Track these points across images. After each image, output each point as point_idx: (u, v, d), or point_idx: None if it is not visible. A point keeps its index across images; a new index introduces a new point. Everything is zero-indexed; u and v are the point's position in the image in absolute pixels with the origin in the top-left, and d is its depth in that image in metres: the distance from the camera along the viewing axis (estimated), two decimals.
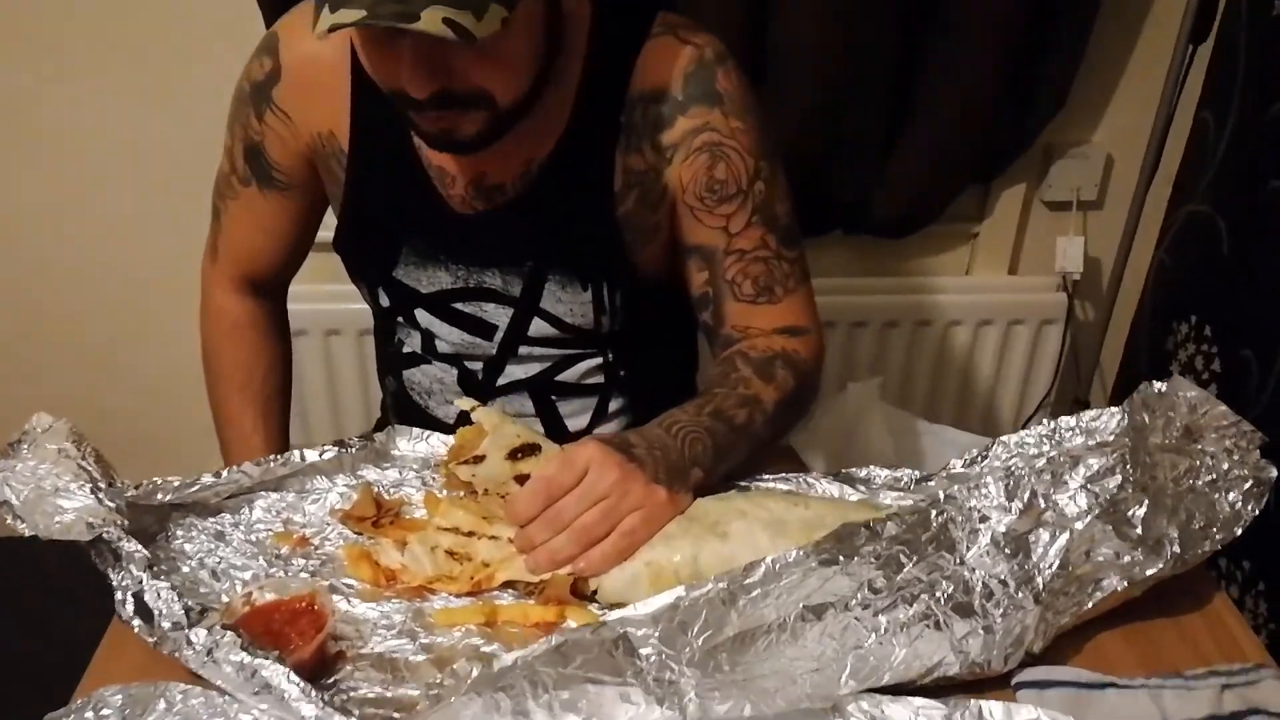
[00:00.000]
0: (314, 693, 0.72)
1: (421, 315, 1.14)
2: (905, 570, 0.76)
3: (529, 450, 0.91)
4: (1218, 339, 1.70)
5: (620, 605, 0.86)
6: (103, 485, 0.88)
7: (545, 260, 1.08)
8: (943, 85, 1.68)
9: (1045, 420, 0.91)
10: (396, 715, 0.76)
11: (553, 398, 1.18)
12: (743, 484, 0.99)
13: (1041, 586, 0.79)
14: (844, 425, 1.46)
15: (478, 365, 1.16)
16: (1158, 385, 0.84)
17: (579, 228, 1.07)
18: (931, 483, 0.96)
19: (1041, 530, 0.79)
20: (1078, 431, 0.90)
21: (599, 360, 1.16)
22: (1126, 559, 0.81)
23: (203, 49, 1.65)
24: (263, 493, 0.98)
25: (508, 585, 0.89)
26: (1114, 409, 0.89)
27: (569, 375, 1.16)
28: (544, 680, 0.70)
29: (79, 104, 1.74)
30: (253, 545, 0.94)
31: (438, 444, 1.04)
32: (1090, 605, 0.82)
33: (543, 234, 1.07)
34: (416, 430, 1.05)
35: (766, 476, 1.01)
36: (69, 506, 0.85)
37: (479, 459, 0.90)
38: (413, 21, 0.77)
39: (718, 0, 1.51)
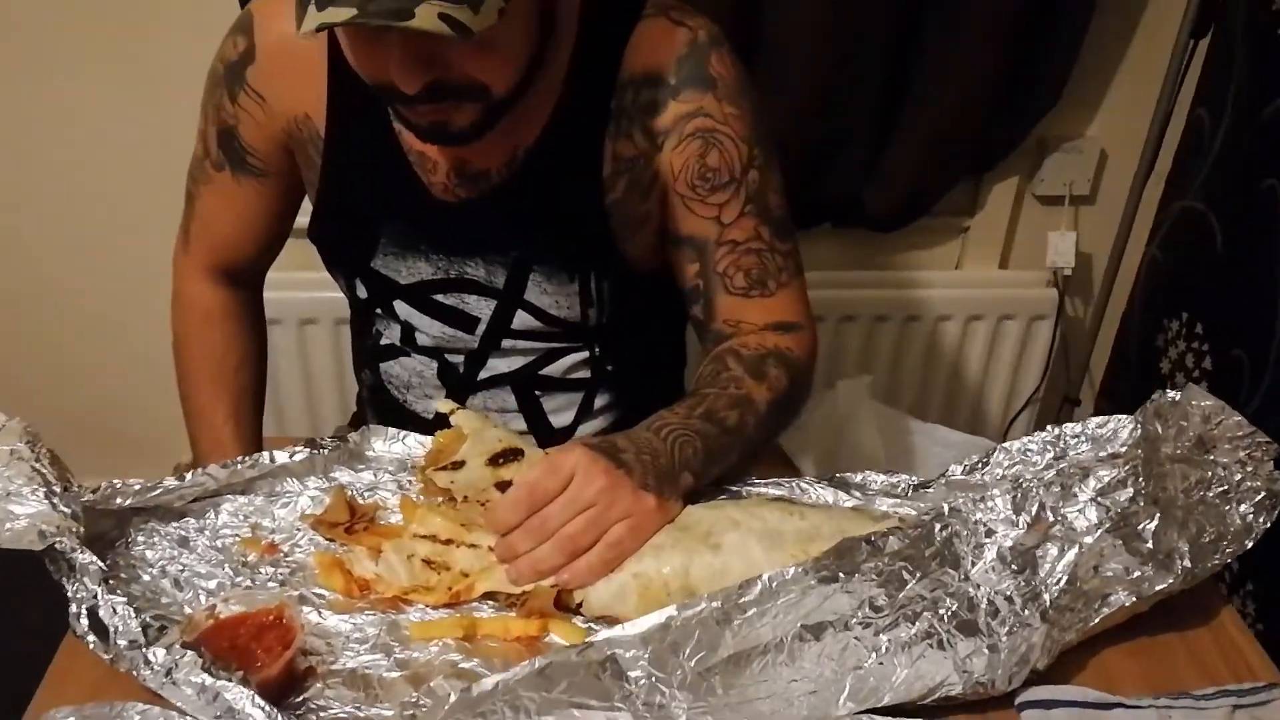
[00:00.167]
0: (280, 716, 0.68)
1: (400, 307, 1.11)
2: (908, 587, 0.72)
3: (511, 455, 0.86)
4: (1209, 337, 1.68)
5: (606, 618, 0.83)
6: (58, 489, 0.83)
7: (530, 250, 1.04)
8: (937, 77, 1.66)
9: (1049, 426, 0.88)
10: None
11: (536, 393, 1.14)
12: (733, 488, 0.95)
13: (1049, 603, 0.75)
14: (833, 424, 1.42)
15: (459, 359, 1.13)
16: (1171, 394, 0.80)
17: (566, 216, 1.03)
18: (930, 489, 0.92)
19: (1050, 545, 0.76)
20: (1083, 439, 0.87)
21: (585, 354, 1.12)
22: (1136, 574, 0.77)
23: (176, 29, 1.61)
24: (229, 496, 0.93)
25: (488, 597, 0.85)
26: (1123, 417, 0.85)
27: (554, 370, 1.13)
28: (526, 705, 0.66)
29: (40, 87, 1.68)
30: (218, 552, 0.89)
31: (415, 445, 1.00)
32: (1096, 621, 0.79)
33: (528, 222, 1.03)
34: (392, 430, 1.01)
35: (757, 480, 0.97)
36: (21, 512, 0.80)
37: (458, 465, 0.85)
38: (407, 19, 0.74)
39: None
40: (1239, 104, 1.58)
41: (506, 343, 1.10)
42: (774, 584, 0.69)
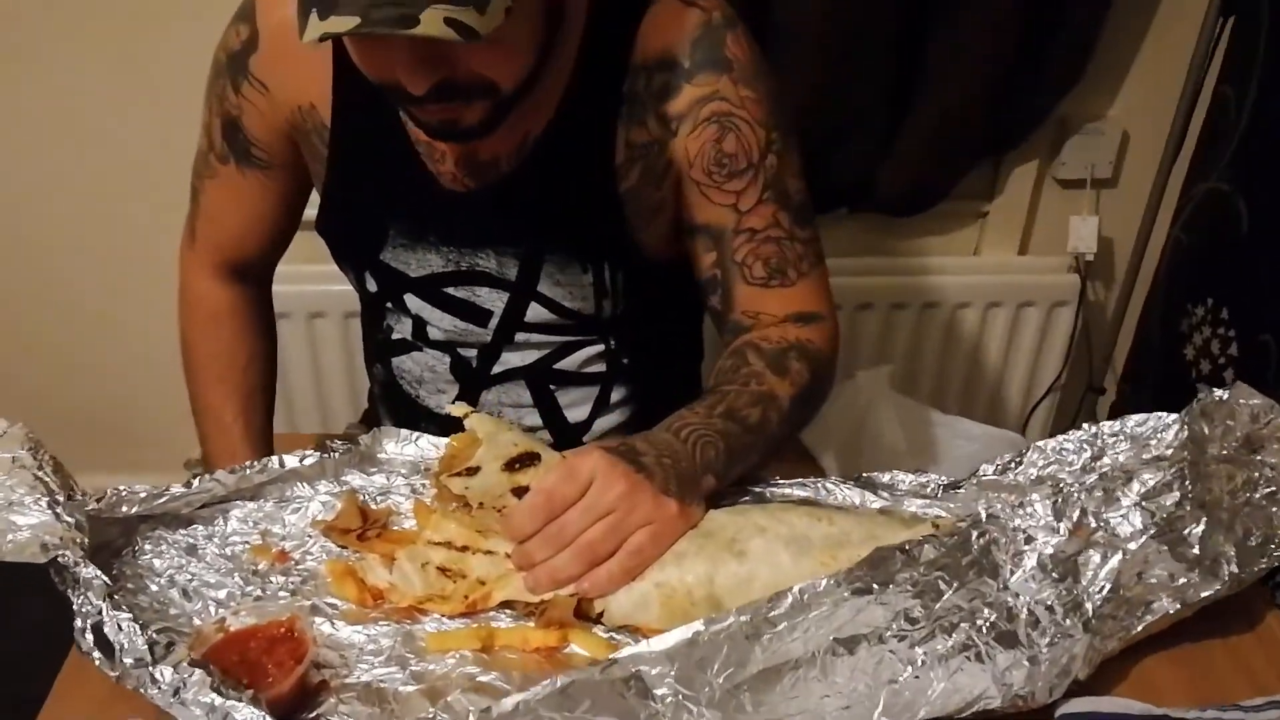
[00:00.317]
0: None
1: (411, 300, 1.08)
2: (945, 598, 0.69)
3: (527, 460, 0.83)
4: (1235, 322, 1.65)
5: (628, 628, 0.80)
6: (61, 498, 0.80)
7: (542, 240, 1.01)
8: (954, 57, 1.62)
9: (1086, 425, 0.85)
10: None
11: (551, 387, 1.12)
12: (756, 489, 0.93)
13: (1091, 613, 0.72)
14: (853, 416, 1.40)
15: (472, 353, 1.10)
16: (1218, 392, 0.77)
17: (578, 205, 1.00)
18: (961, 489, 0.89)
19: (1092, 552, 0.72)
20: (1122, 437, 0.83)
21: (600, 347, 1.10)
22: (1181, 581, 0.74)
23: (179, 19, 1.58)
24: (239, 502, 0.91)
25: (505, 605, 0.82)
26: (1164, 414, 0.82)
27: (568, 363, 1.10)
28: None
29: (40, 81, 1.65)
30: (227, 560, 0.86)
31: (428, 447, 0.97)
32: (1139, 629, 0.76)
33: (539, 212, 1.01)
34: (405, 431, 0.98)
35: (781, 480, 0.94)
36: (23, 523, 0.78)
37: (473, 470, 0.82)
38: (412, 26, 0.72)
39: None
40: (1265, 81, 1.54)
41: (520, 336, 1.08)
42: (805, 596, 0.66)
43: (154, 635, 0.70)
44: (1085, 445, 0.85)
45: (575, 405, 1.13)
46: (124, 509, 0.85)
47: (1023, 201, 1.82)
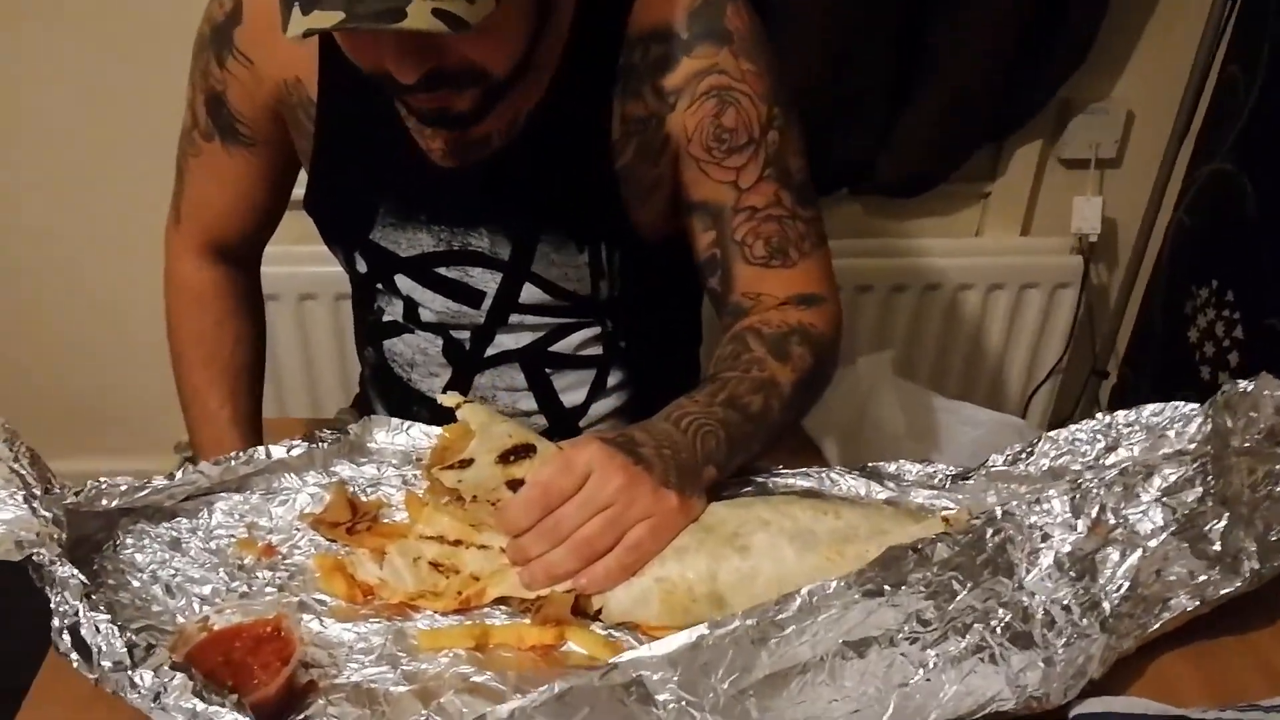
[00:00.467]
0: None
1: (402, 281, 1.06)
2: (958, 599, 0.66)
3: (522, 452, 0.80)
4: (1240, 305, 1.63)
5: (627, 625, 0.77)
6: (38, 491, 0.77)
7: (536, 219, 0.99)
8: (958, 38, 1.60)
9: (1100, 414, 0.82)
10: None
11: (547, 370, 1.09)
12: (759, 480, 0.90)
13: (1108, 612, 0.69)
14: (855, 402, 1.37)
15: (464, 335, 1.08)
16: (1242, 384, 0.74)
17: (573, 182, 0.98)
18: (969, 480, 0.87)
19: (1110, 549, 0.70)
20: (1137, 427, 0.81)
21: (596, 330, 1.08)
22: (1201, 578, 0.72)
23: None
24: (224, 494, 0.88)
25: (500, 602, 0.79)
26: (1182, 404, 0.79)
27: (564, 346, 1.08)
28: None
29: (23, 53, 1.61)
30: (212, 554, 0.83)
31: (420, 436, 0.94)
32: (1155, 627, 0.73)
33: (533, 190, 0.98)
34: (395, 420, 0.95)
35: (784, 470, 0.91)
36: None
37: (466, 463, 0.79)
38: (399, 19, 0.70)
39: None
40: (1274, 61, 1.51)
41: (514, 318, 1.05)
42: (814, 599, 0.63)
43: (133, 637, 0.66)
44: (1099, 435, 0.82)
45: (571, 389, 1.11)
46: (104, 502, 0.82)
47: (1026, 182, 1.80)
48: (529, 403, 1.11)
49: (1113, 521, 0.69)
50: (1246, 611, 0.78)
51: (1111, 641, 0.71)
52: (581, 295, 1.03)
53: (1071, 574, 0.69)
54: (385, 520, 0.87)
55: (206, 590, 0.80)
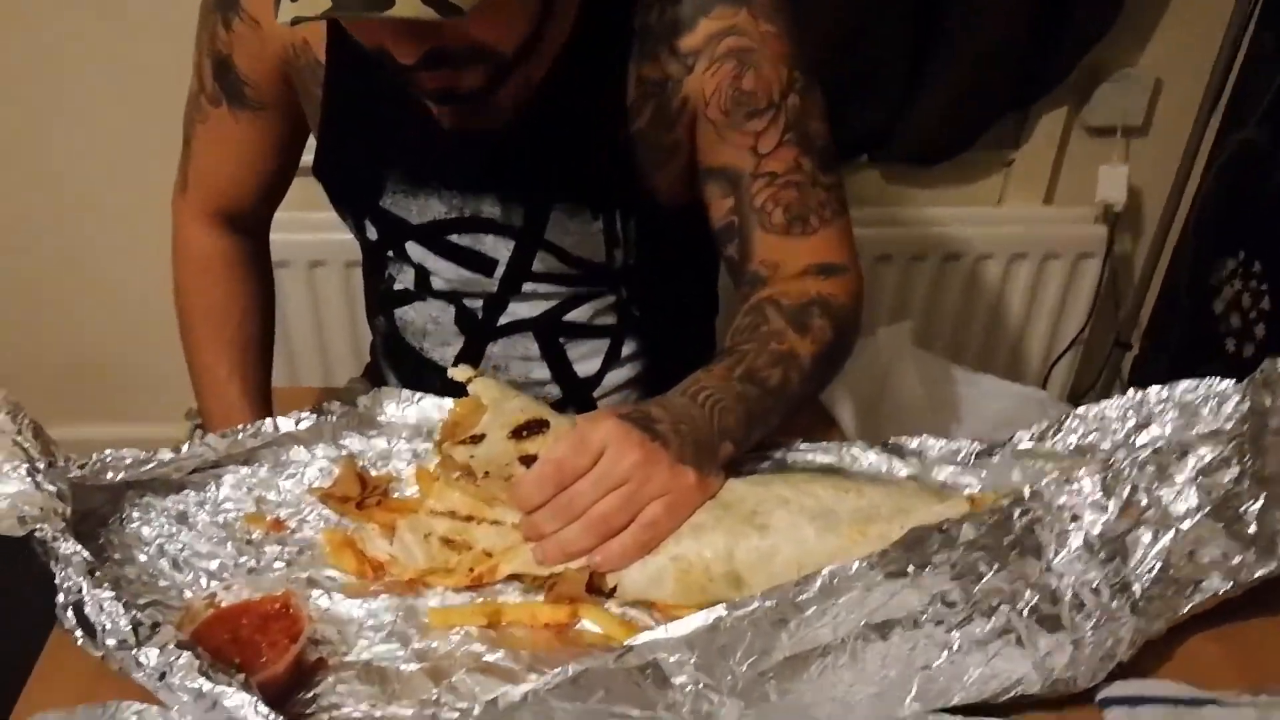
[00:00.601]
0: None
1: (413, 249, 1.04)
2: (984, 580, 0.64)
3: (535, 427, 0.78)
4: (1268, 276, 1.60)
5: (642, 603, 0.76)
6: (41, 465, 0.76)
7: (549, 185, 0.97)
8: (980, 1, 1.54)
9: (1131, 390, 0.79)
10: None
11: (560, 340, 1.08)
12: (777, 455, 0.88)
13: (1139, 594, 0.67)
14: (874, 374, 1.34)
15: (477, 304, 1.06)
16: None
17: (587, 148, 0.95)
18: (994, 457, 0.84)
19: (1142, 530, 0.67)
20: (1170, 404, 0.78)
21: (611, 299, 1.06)
22: (1236, 560, 0.70)
23: None
24: (232, 467, 0.86)
25: (513, 579, 0.78)
26: (1216, 381, 0.77)
27: (578, 315, 1.06)
28: (559, 718, 0.59)
29: (25, 21, 1.58)
30: (220, 529, 0.82)
31: (431, 408, 0.92)
32: (1186, 610, 0.71)
33: (546, 155, 0.96)
34: (406, 392, 0.94)
35: (804, 445, 0.89)
36: (1, 492, 0.73)
37: (477, 438, 0.77)
38: (386, 7, 0.67)
39: None
40: None
41: (527, 286, 1.03)
42: (835, 580, 0.61)
43: (138, 615, 0.65)
44: (1130, 412, 0.80)
45: (585, 359, 1.09)
46: (109, 475, 0.80)
47: (1050, 150, 1.76)
48: (542, 372, 1.09)
49: (1145, 502, 0.67)
50: (1278, 590, 0.76)
51: (1141, 624, 0.69)
52: (595, 263, 1.01)
53: (1101, 555, 0.67)
54: (395, 495, 0.86)
55: (214, 565, 0.79)
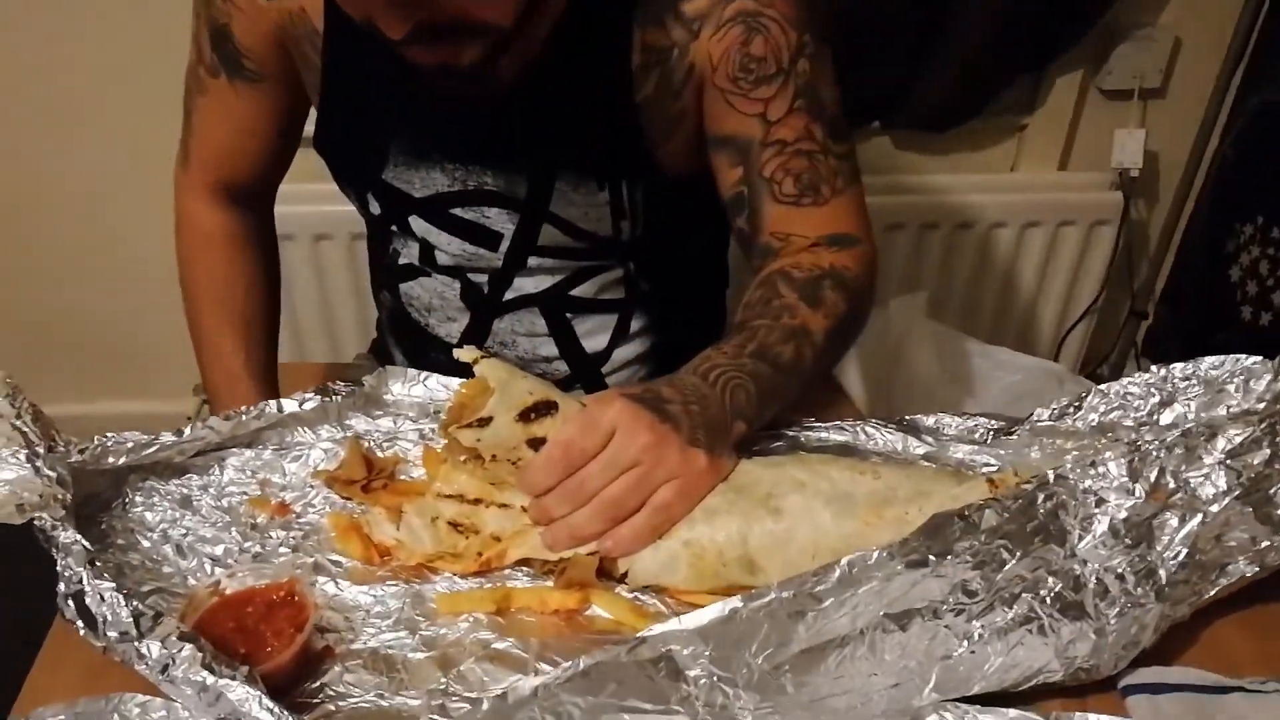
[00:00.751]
0: (289, 718, 0.60)
1: (417, 223, 1.02)
2: (1007, 568, 0.62)
3: (544, 409, 0.76)
4: None
5: (653, 589, 0.74)
6: (41, 449, 0.74)
7: (553, 155, 0.94)
8: None
9: (1155, 367, 0.77)
10: None
11: (567, 315, 1.06)
12: (790, 434, 0.86)
13: (1165, 580, 0.66)
14: (887, 346, 1.33)
15: (482, 278, 1.04)
16: None
17: (591, 116, 0.93)
18: (1013, 435, 0.83)
19: (1169, 514, 0.65)
20: (1194, 381, 0.76)
21: (619, 272, 1.04)
22: (1264, 544, 0.68)
23: None
24: (235, 449, 0.85)
25: (522, 563, 0.76)
26: (1244, 357, 0.75)
27: (585, 289, 1.04)
28: (570, 712, 0.58)
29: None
30: (224, 513, 0.81)
31: (437, 387, 0.91)
32: (1211, 594, 0.70)
33: (550, 125, 0.93)
34: (412, 371, 0.92)
35: (817, 424, 0.87)
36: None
37: (484, 421, 0.75)
38: None
39: None
40: None
41: (533, 260, 1.01)
42: (854, 570, 0.59)
43: (140, 605, 0.63)
44: (1153, 390, 0.78)
45: (593, 334, 1.07)
46: (111, 459, 0.79)
47: (1064, 114, 1.73)
48: (549, 348, 1.07)
49: (1172, 485, 0.65)
50: None
51: (1166, 610, 0.67)
52: (602, 236, 0.99)
53: (1127, 541, 0.65)
54: (402, 477, 0.84)
55: (219, 550, 0.78)
